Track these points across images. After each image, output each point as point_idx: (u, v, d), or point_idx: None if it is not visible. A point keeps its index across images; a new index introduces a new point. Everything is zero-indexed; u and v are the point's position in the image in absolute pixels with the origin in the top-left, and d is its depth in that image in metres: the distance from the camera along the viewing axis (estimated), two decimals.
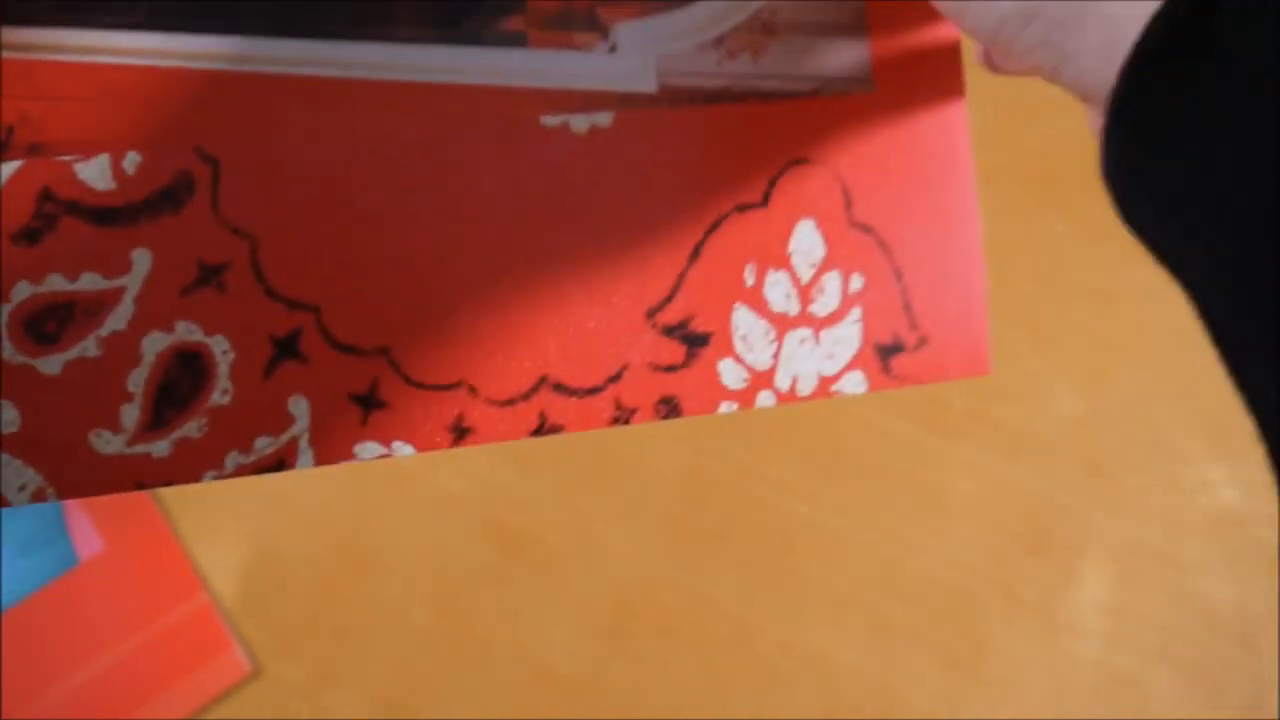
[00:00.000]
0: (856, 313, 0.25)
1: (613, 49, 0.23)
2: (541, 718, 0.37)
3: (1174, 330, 0.39)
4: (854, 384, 0.25)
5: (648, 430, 0.40)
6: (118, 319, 0.22)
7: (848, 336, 0.25)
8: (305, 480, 0.40)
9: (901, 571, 0.37)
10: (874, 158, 0.25)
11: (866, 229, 0.25)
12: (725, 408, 0.25)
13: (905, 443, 0.39)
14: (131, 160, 0.22)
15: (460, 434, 0.23)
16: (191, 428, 0.22)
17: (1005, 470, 0.38)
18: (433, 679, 0.37)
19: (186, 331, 0.22)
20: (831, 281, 0.25)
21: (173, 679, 0.37)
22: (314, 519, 0.39)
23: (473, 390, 0.23)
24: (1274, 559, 0.37)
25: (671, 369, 0.24)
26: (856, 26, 0.25)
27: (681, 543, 0.38)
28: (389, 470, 0.40)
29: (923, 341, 0.26)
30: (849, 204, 0.25)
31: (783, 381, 0.25)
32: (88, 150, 0.21)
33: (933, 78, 0.25)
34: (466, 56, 0.23)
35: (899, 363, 0.26)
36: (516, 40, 0.23)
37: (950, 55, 0.25)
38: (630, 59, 0.24)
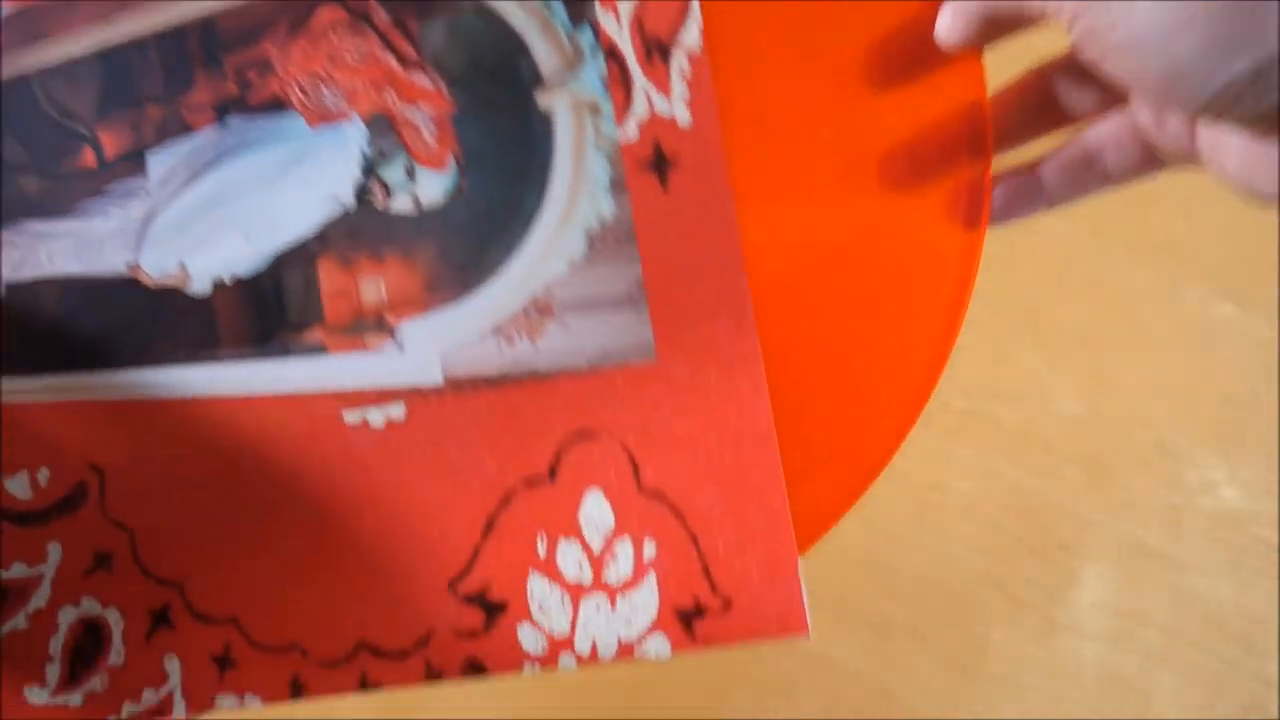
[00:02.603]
0: (652, 579, 0.26)
1: (401, 348, 0.27)
2: (541, 718, 0.37)
3: (1174, 330, 0.39)
4: (656, 647, 0.26)
5: None
6: (40, 598, 0.27)
7: (645, 602, 0.26)
8: None
9: (901, 571, 0.37)
10: (659, 426, 0.26)
11: (657, 496, 0.26)
12: (529, 669, 0.27)
13: (905, 443, 0.39)
14: (43, 474, 0.27)
15: (296, 689, 0.28)
16: (96, 682, 0.27)
17: (1005, 470, 0.38)
18: None
19: (89, 606, 0.28)
20: (623, 549, 0.26)
21: None
22: None
23: (304, 653, 0.27)
24: (1275, 559, 0.37)
25: (473, 634, 0.26)
26: (634, 299, 0.26)
27: None
28: None
29: (726, 605, 0.26)
30: (637, 472, 0.26)
31: (582, 645, 0.26)
32: (10, 468, 0.28)
33: (719, 343, 0.25)
34: (278, 369, 0.27)
35: (703, 626, 0.26)
36: (318, 349, 0.27)
37: (738, 316, 0.26)
38: (416, 355, 0.27)
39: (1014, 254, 0.41)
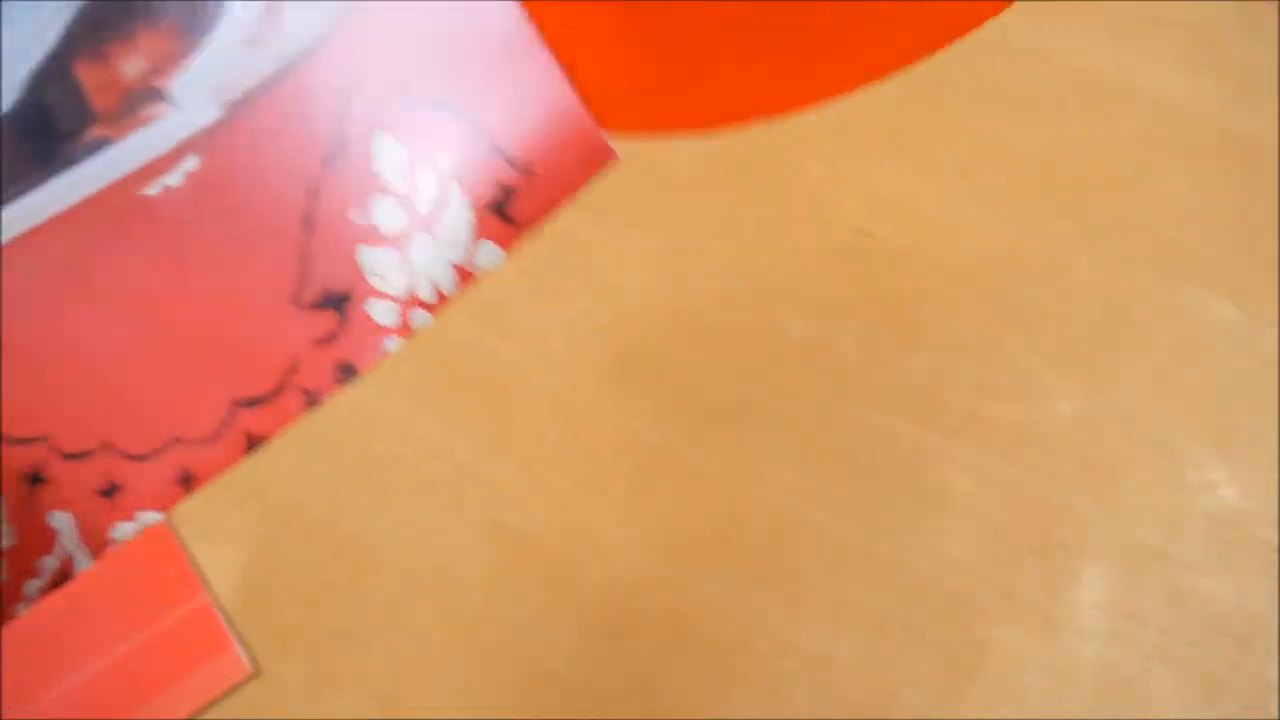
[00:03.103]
0: (455, 187, 0.26)
1: (178, 104, 0.27)
2: (541, 718, 0.37)
3: (1174, 330, 0.39)
4: (487, 254, 0.27)
5: (647, 430, 0.40)
6: None
7: (460, 217, 0.27)
8: (305, 481, 0.40)
9: (901, 571, 0.37)
10: (403, 40, 0.26)
11: (429, 104, 0.26)
12: (390, 344, 0.27)
13: (905, 443, 0.39)
14: None
15: (187, 482, 0.27)
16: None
17: (1005, 470, 0.38)
18: (433, 679, 0.37)
19: None
20: (423, 176, 0.26)
21: (173, 679, 0.37)
22: (314, 519, 0.39)
23: (181, 440, 0.27)
24: (1275, 559, 0.37)
25: (332, 337, 0.27)
26: None
27: (681, 543, 0.38)
28: (389, 470, 0.40)
29: (529, 171, 0.27)
30: (407, 90, 0.26)
31: (426, 292, 0.27)
32: None
33: None
34: (70, 178, 0.26)
35: (518, 207, 0.27)
36: (103, 142, 0.26)
37: None
38: (191, 103, 0.27)
39: (1014, 253, 0.41)
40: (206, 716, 0.37)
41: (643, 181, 0.44)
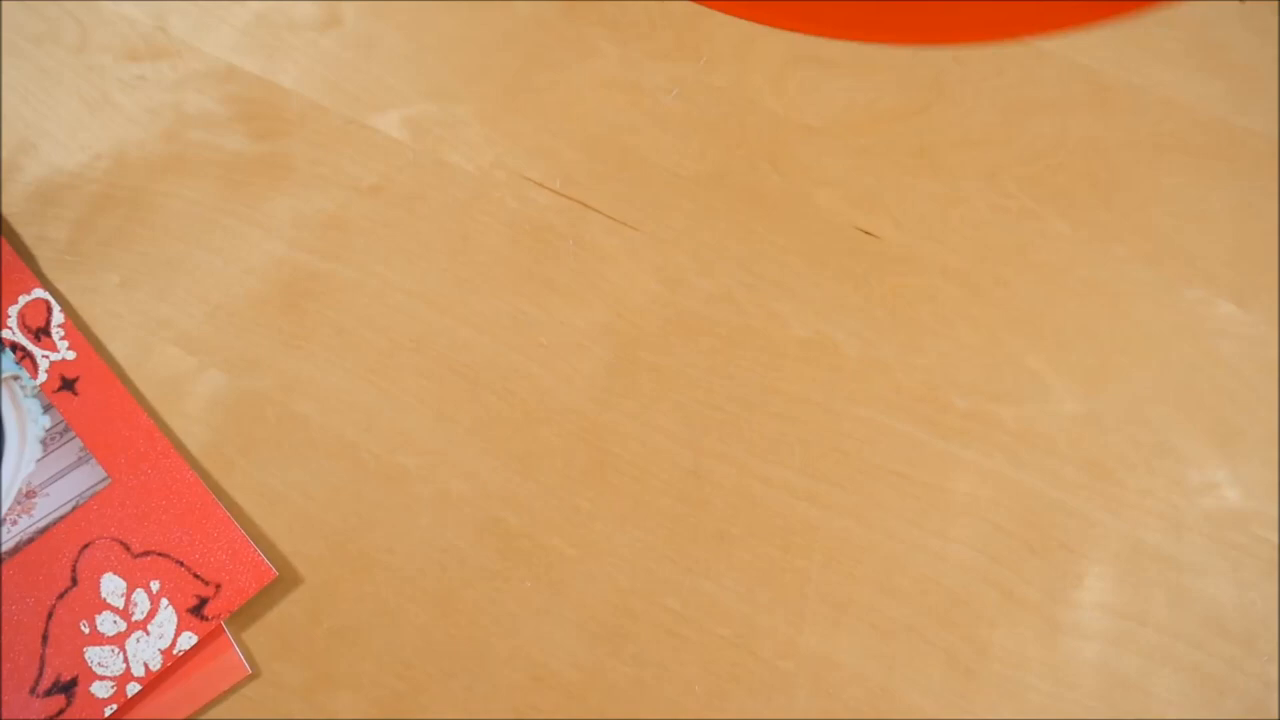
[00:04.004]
0: (165, 602, 0.37)
1: None
2: (541, 718, 0.37)
3: (1174, 330, 0.39)
4: (186, 641, 0.37)
5: (647, 430, 0.40)
6: None
7: (167, 619, 0.37)
8: (304, 481, 0.40)
9: (901, 571, 0.37)
10: (125, 515, 0.38)
11: (145, 553, 0.37)
12: (108, 710, 0.36)
13: (905, 443, 0.39)
14: None
15: None
16: None
17: (1006, 470, 0.38)
18: (433, 679, 0.37)
19: None
20: (139, 596, 0.37)
21: (172, 680, 0.37)
22: (313, 519, 0.39)
23: None
24: (1276, 559, 0.37)
25: (61, 711, 0.36)
26: (83, 459, 0.39)
27: (681, 543, 0.38)
28: (389, 471, 0.40)
29: (219, 588, 0.37)
30: (127, 547, 0.37)
31: (138, 670, 0.36)
32: None
33: (142, 455, 0.39)
34: None
35: (211, 608, 0.37)
36: None
37: (152, 439, 0.40)
38: None
39: (1014, 254, 0.41)
40: (206, 716, 0.37)
41: (643, 181, 0.44)
